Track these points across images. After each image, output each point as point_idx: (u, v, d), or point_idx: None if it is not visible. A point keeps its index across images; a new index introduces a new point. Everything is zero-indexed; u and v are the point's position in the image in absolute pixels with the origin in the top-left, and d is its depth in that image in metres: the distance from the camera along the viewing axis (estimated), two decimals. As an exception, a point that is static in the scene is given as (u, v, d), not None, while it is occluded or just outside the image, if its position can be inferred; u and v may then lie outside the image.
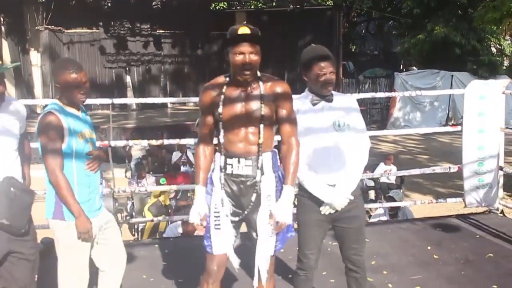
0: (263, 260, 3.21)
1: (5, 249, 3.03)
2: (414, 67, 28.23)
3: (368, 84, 24.56)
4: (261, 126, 3.11)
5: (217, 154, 3.22)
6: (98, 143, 4.78)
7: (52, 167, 3.14)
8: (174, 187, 8.33)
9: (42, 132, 3.16)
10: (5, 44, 18.77)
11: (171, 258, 5.20)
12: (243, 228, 3.34)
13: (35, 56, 20.15)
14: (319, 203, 3.39)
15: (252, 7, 27.63)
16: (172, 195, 9.99)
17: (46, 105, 3.33)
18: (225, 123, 3.12)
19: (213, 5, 25.59)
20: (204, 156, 3.21)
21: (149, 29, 22.01)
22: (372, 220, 8.64)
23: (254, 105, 3.10)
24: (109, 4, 18.74)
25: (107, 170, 4.46)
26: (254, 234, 3.23)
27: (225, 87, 3.12)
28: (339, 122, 3.37)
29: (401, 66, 33.08)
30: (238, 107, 3.11)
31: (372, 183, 11.49)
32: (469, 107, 6.05)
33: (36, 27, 19.48)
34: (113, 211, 6.75)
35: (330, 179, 3.37)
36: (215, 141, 3.26)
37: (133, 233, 9.65)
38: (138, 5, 19.69)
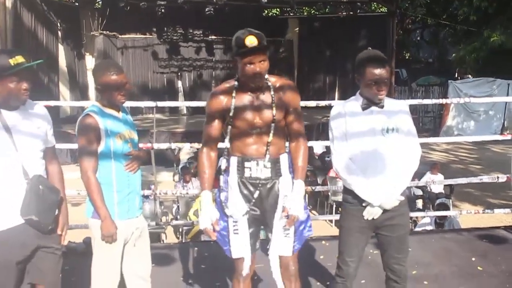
0: (276, 260, 3.27)
1: (34, 244, 3.08)
2: (469, 76, 27.62)
3: (421, 92, 24.23)
4: (272, 126, 3.15)
5: (232, 157, 3.24)
6: (141, 145, 4.85)
7: (85, 168, 3.22)
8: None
9: (78, 134, 3.25)
10: (61, 48, 19.21)
11: (210, 261, 5.21)
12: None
13: (90, 61, 20.55)
14: (362, 209, 3.33)
15: (305, 13, 27.58)
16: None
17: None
18: (239, 127, 3.16)
19: (266, 11, 25.63)
20: (209, 162, 3.24)
21: (201, 35, 22.17)
22: (417, 229, 8.49)
23: (266, 107, 3.15)
24: (162, 10, 18.93)
25: (155, 174, 4.53)
26: (271, 235, 3.29)
27: (234, 92, 3.15)
28: (388, 127, 3.30)
29: (456, 74, 32.41)
30: (251, 111, 3.15)
31: (420, 192, 11.28)
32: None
33: (92, 33, 19.88)
34: (154, 213, 6.85)
35: (376, 183, 3.29)
36: (227, 144, 3.28)
37: (178, 236, 9.73)
38: (191, 11, 19.84)
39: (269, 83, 3.19)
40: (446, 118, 21.88)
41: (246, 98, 3.15)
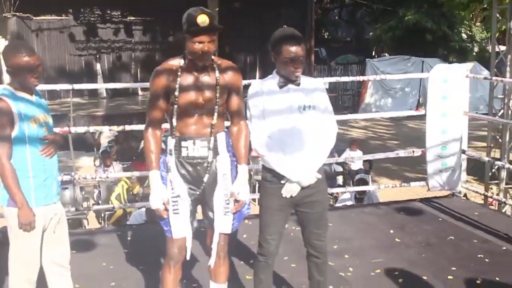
0: (216, 238, 3.28)
1: None
2: (386, 54, 28.35)
3: (340, 70, 24.70)
4: (216, 108, 3.16)
5: (169, 138, 3.22)
6: (58, 129, 4.73)
7: None
8: (136, 173, 7.91)
9: None
10: (-29, 31, 18.45)
11: (133, 246, 5.15)
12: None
13: (3, 44, 19.74)
14: (281, 187, 3.36)
15: (225, -7, 27.44)
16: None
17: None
18: (181, 106, 3.13)
19: (185, -9, 25.33)
20: (154, 140, 3.20)
21: (119, 16, 21.71)
22: (337, 204, 8.68)
23: (210, 88, 3.14)
24: (79, -10, 18.46)
25: (75, 159, 4.38)
26: (210, 214, 3.28)
27: (179, 71, 3.12)
28: (305, 104, 3.33)
29: (373, 52, 33.17)
30: (195, 91, 3.13)
31: (340, 169, 11.54)
32: (433, 91, 6.07)
33: (4, 14, 19.10)
34: (74, 199, 6.72)
35: (294, 160, 3.32)
36: (167, 125, 3.26)
37: (100, 221, 9.58)
38: (108, -9, 19.45)
39: (215, 64, 3.17)
40: (364, 96, 22.41)
41: (191, 78, 3.12)
